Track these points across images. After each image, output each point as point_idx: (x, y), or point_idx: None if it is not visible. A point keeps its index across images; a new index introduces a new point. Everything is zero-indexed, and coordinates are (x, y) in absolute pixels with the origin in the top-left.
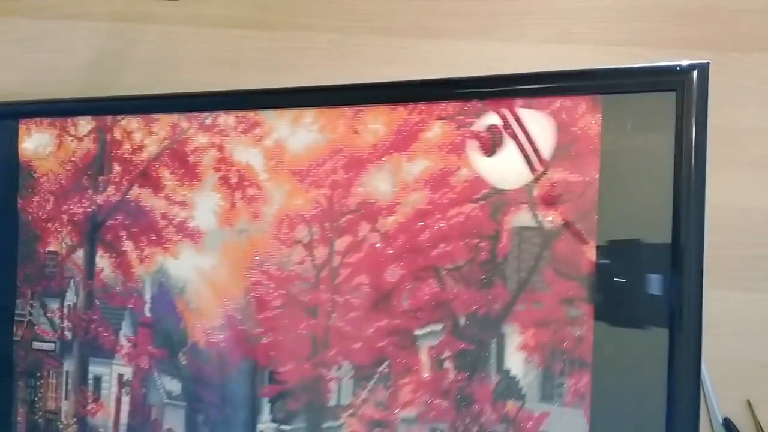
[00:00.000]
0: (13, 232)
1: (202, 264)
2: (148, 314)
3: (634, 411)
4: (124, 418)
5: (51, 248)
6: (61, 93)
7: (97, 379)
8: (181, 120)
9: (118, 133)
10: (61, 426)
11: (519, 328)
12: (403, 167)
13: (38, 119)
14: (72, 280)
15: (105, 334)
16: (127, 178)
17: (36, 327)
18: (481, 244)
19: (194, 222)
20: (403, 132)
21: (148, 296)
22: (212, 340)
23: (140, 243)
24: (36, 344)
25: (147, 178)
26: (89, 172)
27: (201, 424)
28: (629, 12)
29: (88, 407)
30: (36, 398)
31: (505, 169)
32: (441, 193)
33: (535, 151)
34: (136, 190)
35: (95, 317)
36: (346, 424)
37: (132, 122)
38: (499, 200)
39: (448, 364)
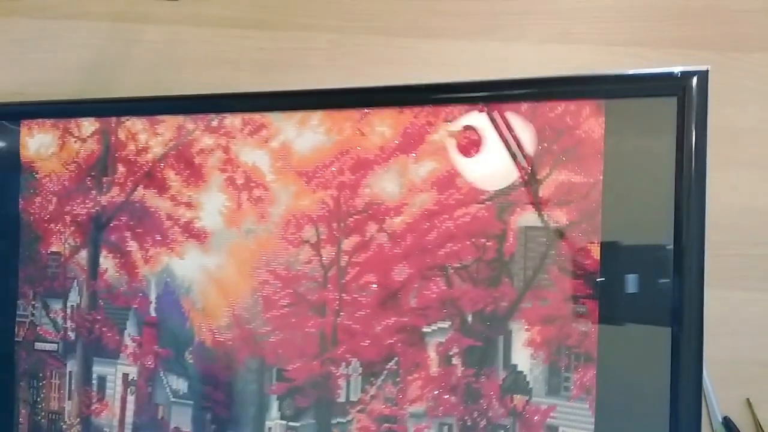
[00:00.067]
0: (15, 232)
1: (208, 264)
2: (153, 314)
3: (639, 404)
4: (129, 417)
5: (54, 249)
6: (61, 93)
7: (102, 379)
8: (187, 121)
9: (122, 134)
10: (64, 426)
11: (525, 324)
12: (409, 169)
13: (41, 120)
14: (75, 280)
15: (109, 334)
16: (131, 179)
17: (38, 327)
18: (488, 244)
19: (200, 222)
20: (409, 134)
21: (153, 296)
22: (219, 338)
23: (145, 243)
24: (38, 345)
25: (152, 179)
26: (93, 173)
27: (208, 422)
28: (629, 12)
29: (93, 407)
30: (38, 399)
31: (499, 170)
32: (448, 193)
33: (523, 151)
34: (141, 191)
35: (99, 317)
36: (356, 419)
37: (137, 123)
38: (504, 201)
39: (455, 360)
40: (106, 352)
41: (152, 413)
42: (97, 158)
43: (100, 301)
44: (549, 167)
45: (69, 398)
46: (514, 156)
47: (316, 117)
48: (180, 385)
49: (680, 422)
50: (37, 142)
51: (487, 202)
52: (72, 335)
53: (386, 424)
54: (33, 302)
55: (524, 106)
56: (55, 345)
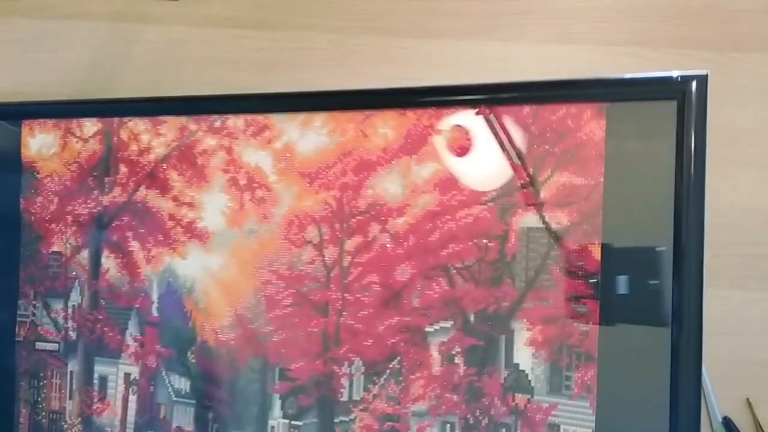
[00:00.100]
0: (16, 232)
1: (210, 264)
2: (155, 314)
3: (639, 403)
4: (131, 416)
5: (55, 249)
6: (61, 93)
7: (103, 379)
8: (190, 122)
9: (124, 135)
10: (65, 425)
11: (527, 324)
12: (412, 170)
13: (42, 120)
14: (77, 280)
15: (111, 334)
16: (134, 179)
17: (39, 327)
18: (490, 244)
19: (202, 223)
20: (412, 136)
21: (155, 296)
22: (222, 338)
23: (147, 243)
24: (39, 345)
25: (154, 179)
26: (95, 173)
27: (211, 421)
28: (629, 12)
29: (94, 406)
30: (39, 398)
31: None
32: (450, 195)
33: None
34: (143, 191)
35: (101, 317)
36: (358, 418)
37: (139, 124)
38: (507, 202)
39: (458, 360)
40: (108, 352)
41: (154, 413)
42: (99, 158)
43: (101, 300)
44: (551, 169)
45: (70, 398)
46: (516, 158)
47: (319, 118)
48: (182, 384)
49: (680, 420)
50: (39, 142)
51: (489, 204)
52: (73, 335)
53: (389, 423)
54: (34, 302)
55: (526, 109)
56: (56, 345)
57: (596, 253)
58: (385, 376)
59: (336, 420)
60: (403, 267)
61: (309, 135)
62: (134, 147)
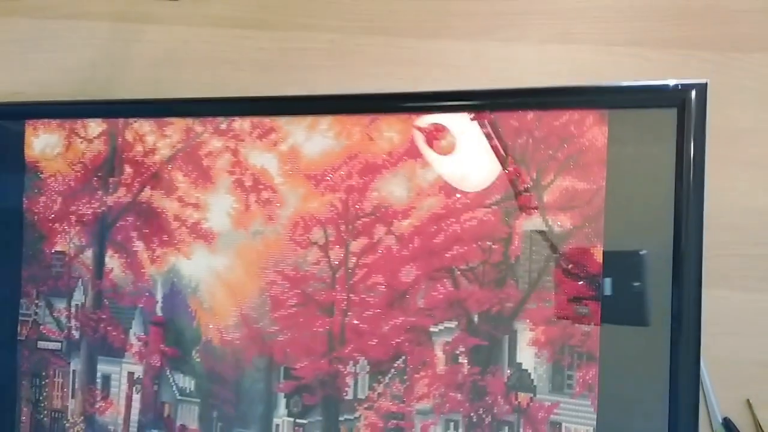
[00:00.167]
0: (18, 232)
1: (215, 264)
2: (159, 313)
3: (639, 401)
4: (135, 415)
5: (58, 248)
6: (61, 93)
7: (106, 378)
8: (195, 124)
9: (129, 136)
10: (67, 424)
11: (530, 324)
12: (417, 173)
13: (46, 120)
14: (80, 279)
15: (114, 333)
16: (138, 180)
17: (41, 326)
18: (494, 247)
19: (208, 224)
20: (416, 139)
21: (159, 296)
22: (227, 338)
23: (152, 244)
24: (41, 344)
25: (159, 180)
26: (99, 174)
27: (216, 419)
28: (629, 12)
29: (97, 405)
30: (41, 397)
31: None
32: (455, 198)
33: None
34: (147, 192)
35: (104, 316)
36: (363, 416)
37: (144, 125)
38: (511, 205)
39: (462, 359)
40: (111, 351)
41: (158, 411)
42: (103, 159)
43: (105, 300)
44: (553, 173)
45: (72, 397)
46: (519, 163)
47: (325, 121)
48: (187, 383)
49: (679, 418)
50: (42, 142)
51: (493, 207)
52: (76, 334)
53: (393, 421)
54: (36, 301)
55: (529, 114)
56: (59, 344)
57: (598, 255)
58: (390, 375)
59: (341, 418)
60: (408, 268)
61: (315, 137)
62: (139, 148)
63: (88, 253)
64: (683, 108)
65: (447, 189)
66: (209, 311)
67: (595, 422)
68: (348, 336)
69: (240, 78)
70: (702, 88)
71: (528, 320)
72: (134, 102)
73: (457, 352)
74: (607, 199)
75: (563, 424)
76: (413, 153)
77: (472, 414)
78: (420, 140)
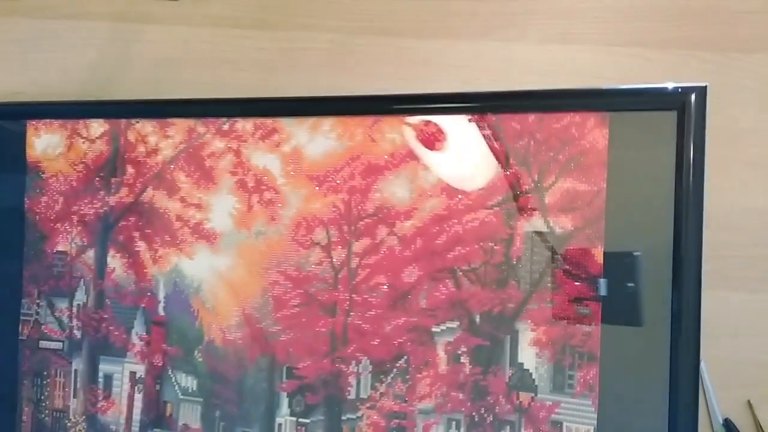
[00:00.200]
0: (20, 231)
1: (218, 264)
2: (161, 313)
3: (639, 400)
4: (137, 414)
5: (60, 248)
6: (61, 93)
7: (108, 377)
8: (198, 125)
9: (132, 136)
10: (69, 424)
11: (531, 325)
12: (419, 174)
13: (47, 120)
14: (82, 279)
15: (116, 333)
16: (141, 180)
17: (43, 326)
18: (496, 247)
19: (210, 224)
20: (420, 141)
21: (161, 295)
22: (229, 337)
23: (154, 244)
24: (43, 343)
25: (162, 180)
26: (101, 174)
27: (218, 418)
28: (629, 12)
29: (99, 404)
30: (42, 397)
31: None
32: (457, 199)
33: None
34: (150, 192)
35: (106, 316)
36: (365, 416)
37: (147, 126)
38: (512, 207)
39: (464, 359)
40: (113, 351)
41: (160, 410)
42: (106, 159)
43: (107, 300)
44: (555, 176)
45: (74, 396)
46: (520, 165)
47: (328, 122)
48: (189, 382)
49: (679, 417)
50: (44, 142)
51: (494, 208)
52: (78, 334)
53: (396, 420)
54: (37, 301)
55: (531, 117)
56: (60, 343)
57: (599, 256)
58: (392, 375)
59: (343, 417)
60: (410, 269)
61: (317, 139)
62: (142, 148)
63: (90, 253)
64: (683, 111)
65: (449, 190)
66: (212, 311)
67: (595, 422)
68: (350, 336)
69: (240, 78)
70: (702, 92)
71: (529, 320)
72: (136, 102)
73: (459, 352)
74: (608, 200)
75: (564, 424)
76: (415, 154)
77: (473, 413)
78: (411, 136)
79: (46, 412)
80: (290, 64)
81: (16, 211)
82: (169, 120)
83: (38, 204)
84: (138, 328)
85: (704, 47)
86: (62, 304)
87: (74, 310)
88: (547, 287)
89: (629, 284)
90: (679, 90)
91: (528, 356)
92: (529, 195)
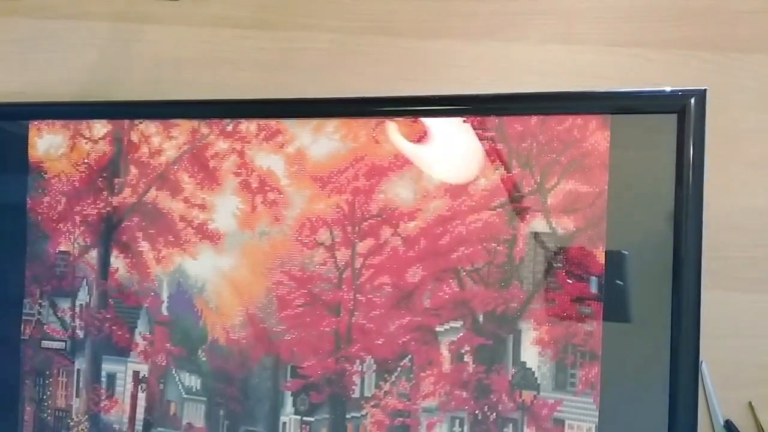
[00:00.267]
0: (22, 232)
1: (222, 264)
2: (165, 313)
3: (640, 399)
4: (140, 414)
5: (62, 248)
6: (61, 93)
7: (111, 377)
8: (202, 126)
9: (135, 137)
10: (71, 423)
11: (534, 324)
12: (423, 176)
13: (50, 121)
14: (84, 279)
15: (119, 333)
16: (144, 180)
17: (45, 326)
18: (499, 248)
19: (214, 224)
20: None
21: (165, 295)
22: (233, 337)
23: (157, 244)
24: (45, 343)
25: (165, 181)
26: (104, 174)
27: (222, 417)
28: (630, 12)
29: (102, 404)
30: (45, 396)
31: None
32: (460, 200)
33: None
34: (153, 193)
35: (109, 316)
36: (370, 414)
37: (150, 126)
38: (515, 208)
39: (467, 358)
40: (116, 350)
41: (164, 410)
42: (108, 160)
43: (110, 300)
44: (557, 177)
45: (77, 396)
46: (524, 167)
47: (332, 124)
48: (193, 382)
49: (679, 415)
50: (47, 142)
51: (497, 209)
52: (80, 333)
53: (399, 419)
54: (40, 301)
55: (533, 119)
56: (63, 343)
57: (600, 256)
58: (396, 374)
59: (348, 416)
60: (414, 269)
61: (321, 140)
62: (145, 149)
63: (93, 253)
64: (683, 114)
65: (452, 191)
66: (215, 311)
67: (597, 419)
68: (355, 335)
69: (240, 78)
70: (701, 95)
71: (532, 320)
72: (139, 104)
73: (463, 351)
74: (609, 201)
75: (566, 422)
76: (416, 156)
77: (477, 411)
78: (394, 131)
79: (48, 411)
80: (290, 64)
81: (19, 211)
82: (173, 121)
83: (40, 204)
84: (141, 328)
85: (704, 47)
86: (65, 304)
87: (77, 310)
88: (549, 287)
89: (630, 284)
90: (680, 93)
91: (530, 355)
92: (532, 196)
